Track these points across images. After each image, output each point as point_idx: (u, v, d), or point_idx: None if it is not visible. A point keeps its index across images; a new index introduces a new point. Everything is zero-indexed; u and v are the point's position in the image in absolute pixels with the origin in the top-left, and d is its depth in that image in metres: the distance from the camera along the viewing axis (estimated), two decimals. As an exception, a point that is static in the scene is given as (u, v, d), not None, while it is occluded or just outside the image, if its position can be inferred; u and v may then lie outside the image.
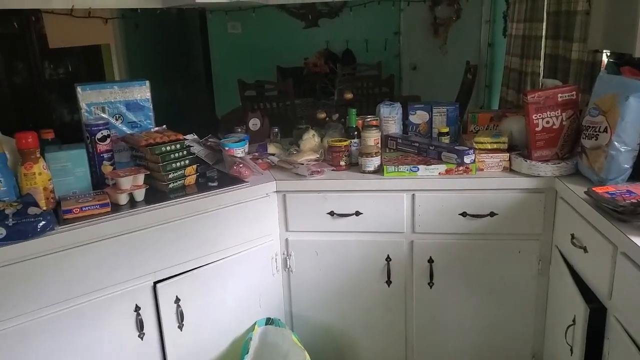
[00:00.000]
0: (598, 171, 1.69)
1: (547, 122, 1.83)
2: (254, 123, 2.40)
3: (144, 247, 1.68)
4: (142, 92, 1.96)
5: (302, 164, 1.99)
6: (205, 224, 1.80)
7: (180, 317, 1.79)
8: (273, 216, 1.99)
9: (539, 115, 1.83)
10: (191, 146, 2.01)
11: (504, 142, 1.95)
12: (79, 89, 1.87)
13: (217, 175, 1.93)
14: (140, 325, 1.71)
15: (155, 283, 1.72)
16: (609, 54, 2.25)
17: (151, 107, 1.98)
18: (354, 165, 2.03)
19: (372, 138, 1.98)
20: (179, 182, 1.85)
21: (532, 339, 2.02)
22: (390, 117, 2.19)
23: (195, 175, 1.89)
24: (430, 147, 1.98)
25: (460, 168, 1.89)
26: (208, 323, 1.88)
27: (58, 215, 1.59)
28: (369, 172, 1.95)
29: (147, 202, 1.73)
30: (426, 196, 1.91)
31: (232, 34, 5.92)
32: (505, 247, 1.93)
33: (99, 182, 1.79)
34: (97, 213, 1.61)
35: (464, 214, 1.91)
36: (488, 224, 1.90)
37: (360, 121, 2.11)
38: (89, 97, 1.88)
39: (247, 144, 2.09)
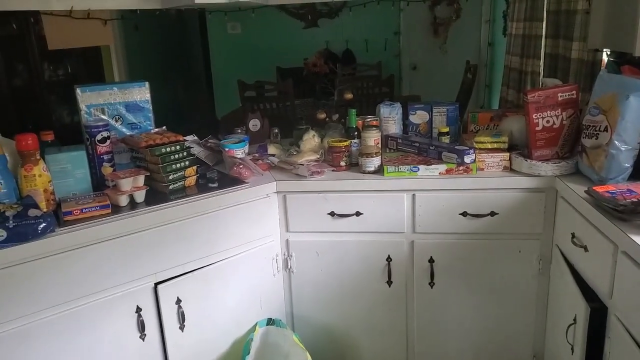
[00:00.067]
0: (598, 170, 1.69)
1: (548, 122, 1.83)
2: (254, 124, 2.40)
3: (144, 249, 1.68)
4: (141, 94, 1.96)
5: (302, 165, 1.99)
6: (206, 225, 1.80)
7: (182, 318, 1.79)
8: (273, 217, 1.99)
9: (539, 115, 1.83)
10: (191, 147, 2.01)
11: (504, 142, 1.95)
12: (78, 90, 1.87)
13: (217, 176, 1.94)
14: (141, 327, 1.71)
15: (156, 284, 1.72)
16: (609, 52, 2.25)
17: (151, 108, 1.99)
18: (354, 166, 2.03)
19: (372, 138, 1.98)
20: (179, 184, 1.85)
21: (533, 339, 2.02)
22: (390, 117, 2.19)
23: (195, 176, 1.89)
24: (431, 147, 1.98)
25: (461, 168, 1.89)
26: (209, 324, 1.88)
27: (58, 217, 1.59)
28: (369, 173, 1.95)
29: (148, 203, 1.73)
30: (426, 196, 1.91)
31: (231, 34, 5.91)
32: (506, 246, 1.93)
33: (99, 184, 1.79)
34: (98, 215, 1.61)
35: (464, 214, 1.90)
36: (488, 223, 1.90)
37: (360, 121, 2.11)
38: (88, 99, 1.88)
39: (247, 145, 2.09)
